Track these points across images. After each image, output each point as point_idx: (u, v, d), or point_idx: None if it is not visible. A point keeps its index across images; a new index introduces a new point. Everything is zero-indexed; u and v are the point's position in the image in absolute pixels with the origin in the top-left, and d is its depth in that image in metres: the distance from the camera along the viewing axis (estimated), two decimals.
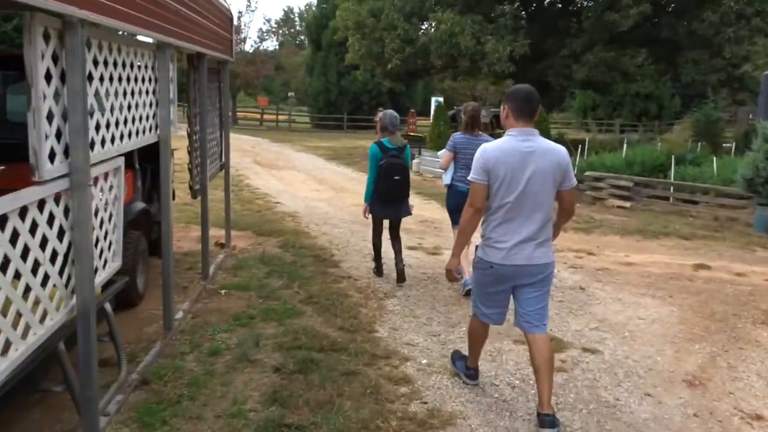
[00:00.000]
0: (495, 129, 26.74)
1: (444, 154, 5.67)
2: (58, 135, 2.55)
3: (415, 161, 15.84)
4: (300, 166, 16.31)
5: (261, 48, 36.72)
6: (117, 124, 3.22)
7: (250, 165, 16.06)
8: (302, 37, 60.87)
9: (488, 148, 3.21)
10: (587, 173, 11.70)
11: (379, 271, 6.14)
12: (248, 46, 36.14)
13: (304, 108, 43.67)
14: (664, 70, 20.39)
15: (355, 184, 12.95)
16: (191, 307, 4.97)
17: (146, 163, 5.76)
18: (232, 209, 9.62)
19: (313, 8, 38.17)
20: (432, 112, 16.00)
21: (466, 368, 3.76)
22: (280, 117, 36.53)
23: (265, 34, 36.86)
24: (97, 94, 2.91)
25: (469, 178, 3.25)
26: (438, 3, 17.63)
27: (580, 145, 13.40)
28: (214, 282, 5.74)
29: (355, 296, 5.44)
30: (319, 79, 35.55)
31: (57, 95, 2.53)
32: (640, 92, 29.93)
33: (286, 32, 67.84)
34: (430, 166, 14.88)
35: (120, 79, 3.24)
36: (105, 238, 3.18)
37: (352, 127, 32.62)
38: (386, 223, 6.12)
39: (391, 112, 6.15)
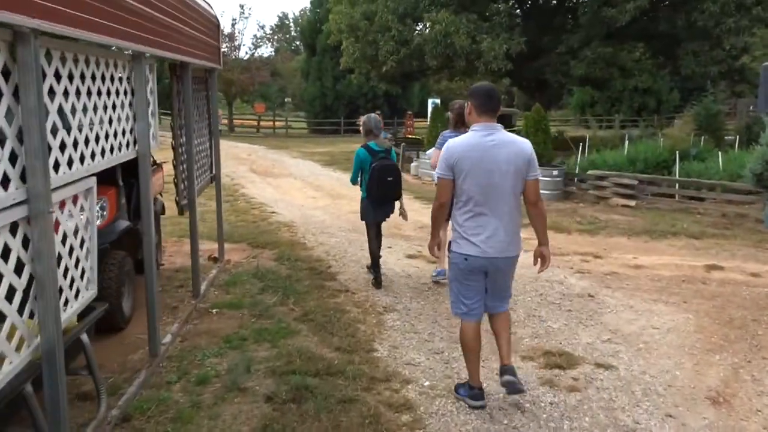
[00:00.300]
0: None
1: (433, 152, 5.67)
2: (13, 158, 2.29)
3: (413, 164, 15.59)
4: (296, 173, 16.05)
5: (256, 55, 36.40)
6: (87, 141, 2.97)
7: (246, 173, 15.81)
8: (298, 43, 60.69)
9: (452, 144, 3.31)
10: (590, 172, 11.44)
11: (377, 282, 5.94)
12: (243, 53, 35.91)
13: (301, 113, 43.46)
14: (662, 64, 20.15)
15: (351, 190, 12.62)
16: (180, 330, 4.71)
17: (133, 179, 5.52)
18: (226, 220, 9.38)
19: (308, 13, 37.91)
20: (429, 113, 15.74)
21: (469, 389, 3.58)
22: (277, 123, 36.29)
23: (259, 40, 36.50)
24: (61, 110, 2.66)
25: (434, 173, 3.38)
26: (432, 3, 17.39)
27: (580, 143, 13.15)
28: (205, 300, 5.48)
29: (353, 311, 5.18)
30: (314, 84, 35.33)
31: (10, 114, 2.28)
32: (639, 87, 29.69)
33: (282, 38, 67.69)
34: (429, 169, 14.62)
35: (89, 93, 2.99)
36: (76, 266, 2.92)
37: (349, 131, 32.34)
38: None
39: (374, 115, 6.13)
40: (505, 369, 3.47)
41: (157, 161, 6.34)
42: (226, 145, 25.70)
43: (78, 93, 2.83)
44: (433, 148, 5.68)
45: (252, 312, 5.10)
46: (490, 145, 3.22)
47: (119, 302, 4.59)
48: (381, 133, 6.05)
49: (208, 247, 7.48)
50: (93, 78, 3.01)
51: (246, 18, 49.58)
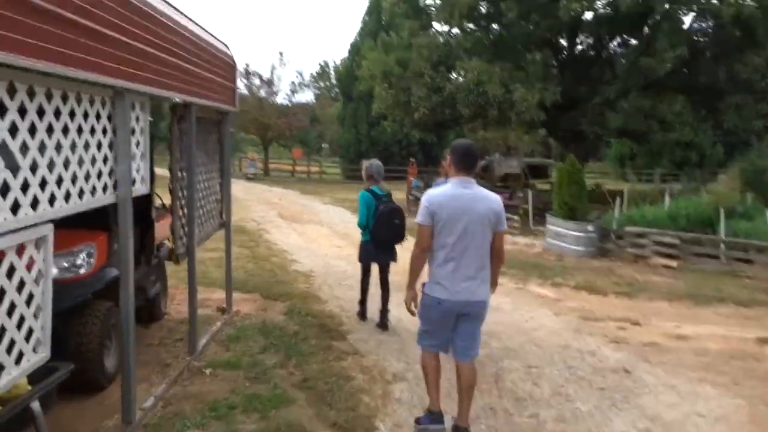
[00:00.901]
0: (527, 179, 26.04)
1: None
2: None
3: None
4: (325, 220, 15.76)
5: (293, 100, 36.90)
6: (44, 184, 2.63)
7: (273, 218, 15.57)
8: (337, 90, 61.94)
9: (432, 195, 3.60)
10: (628, 228, 10.80)
11: (362, 314, 6.26)
12: (281, 99, 36.44)
13: (337, 159, 43.72)
14: (704, 117, 19.46)
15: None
16: (166, 392, 4.28)
17: (143, 222, 5.23)
18: (243, 268, 9.05)
19: (346, 61, 38.50)
20: None
21: (430, 414, 3.79)
22: (312, 168, 36.48)
23: (297, 86, 37.08)
24: (4, 147, 2.33)
25: (416, 221, 3.60)
26: (466, 51, 17.26)
27: (618, 197, 12.54)
28: (202, 357, 5.06)
29: (359, 378, 4.68)
30: (350, 131, 35.53)
31: None
32: (680, 140, 28.96)
33: (322, 85, 69.11)
34: None
35: (50, 130, 2.67)
36: (19, 326, 2.54)
37: (384, 179, 32.27)
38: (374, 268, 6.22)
39: (376, 161, 6.44)
40: (459, 429, 3.66)
41: (166, 204, 6.07)
42: (259, 189, 25.89)
43: (33, 129, 2.50)
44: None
45: (248, 374, 4.65)
46: (468, 197, 3.51)
47: (100, 359, 4.20)
48: (381, 179, 6.27)
49: (219, 296, 7.14)
50: (57, 114, 2.69)
51: (284, 64, 50.59)
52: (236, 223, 14.40)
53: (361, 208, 6.03)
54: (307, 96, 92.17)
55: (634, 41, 17.99)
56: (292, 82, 45.42)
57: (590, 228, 10.56)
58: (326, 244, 11.80)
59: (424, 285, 3.71)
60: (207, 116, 5.63)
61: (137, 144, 3.70)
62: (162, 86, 3.86)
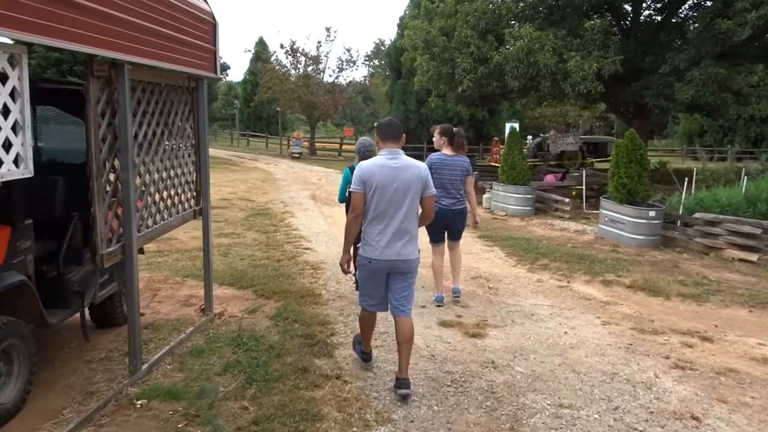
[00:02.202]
0: (585, 158, 24.17)
1: None
2: None
3: (485, 196, 13.81)
4: None
5: (340, 78, 35.80)
6: None
7: (303, 200, 14.61)
8: (394, 75, 60.65)
9: (364, 165, 3.91)
10: (697, 215, 9.19)
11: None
12: (327, 77, 35.44)
13: None
14: None
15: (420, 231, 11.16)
16: None
17: (74, 213, 4.30)
18: (250, 257, 8.11)
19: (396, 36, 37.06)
20: (506, 139, 13.93)
21: (362, 352, 4.38)
22: None
23: (344, 63, 35.81)
24: None
25: (350, 189, 3.94)
26: (516, 17, 15.66)
27: (686, 178, 10.89)
28: (144, 381, 4.08)
29: (330, 417, 3.59)
30: (398, 108, 34.23)
31: None
32: (755, 115, 26.31)
33: (376, 64, 67.81)
34: (503, 202, 12.80)
35: None
36: None
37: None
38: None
39: (364, 139, 6.09)
40: (401, 383, 3.90)
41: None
42: (300, 169, 25.11)
43: None
44: None
45: (189, 409, 3.64)
46: (394, 166, 3.83)
47: None
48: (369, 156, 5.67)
49: (222, 292, 6.23)
50: None
51: (332, 41, 49.44)
52: (262, 206, 13.58)
53: (341, 184, 6.08)
54: (357, 74, 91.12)
55: (709, 2, 15.91)
56: (339, 59, 44.24)
57: (652, 213, 9.05)
58: None
59: (358, 248, 4.11)
60: (165, 82, 4.59)
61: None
62: (64, 36, 2.81)
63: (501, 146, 28.61)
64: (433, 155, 5.87)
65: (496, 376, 4.24)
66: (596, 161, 24.94)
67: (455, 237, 6.18)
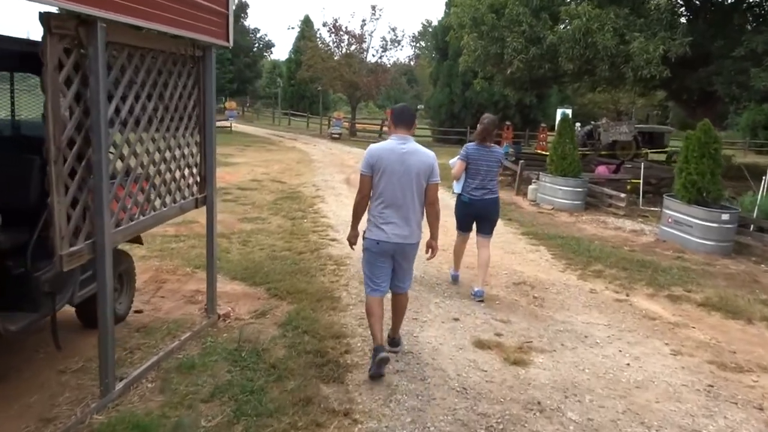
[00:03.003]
0: (639, 148, 22.71)
1: (456, 162, 5.80)
2: None
3: (531, 187, 12.80)
4: None
5: (384, 58, 34.80)
6: None
7: (337, 184, 13.87)
8: (439, 56, 59.38)
9: (373, 148, 4.00)
10: None
11: None
12: (371, 56, 34.49)
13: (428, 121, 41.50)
14: None
15: (448, 218, 10.30)
16: None
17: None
18: (271, 247, 7.41)
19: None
20: (556, 126, 12.85)
21: (375, 349, 3.97)
22: None
23: (389, 43, 34.71)
24: None
25: (360, 170, 4.02)
26: None
27: (763, 177, 9.68)
28: (115, 406, 3.40)
29: None
30: (443, 91, 33.12)
31: None
32: None
33: (423, 45, 66.42)
34: (550, 195, 11.78)
35: None
36: None
37: None
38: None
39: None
40: (393, 341, 4.37)
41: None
42: (338, 150, 24.41)
43: None
44: (457, 158, 5.84)
45: None
46: (403, 152, 3.92)
47: None
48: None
49: (226, 288, 5.58)
50: None
51: (377, 19, 48.25)
52: (293, 188, 12.89)
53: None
54: (402, 54, 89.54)
55: None
56: (383, 38, 43.14)
57: (725, 217, 7.96)
58: None
59: (365, 231, 4.11)
60: (162, 48, 3.86)
61: None
62: None
63: (548, 133, 27.39)
64: (469, 145, 5.78)
65: (543, 425, 3.40)
66: (651, 152, 23.47)
67: (486, 231, 5.87)
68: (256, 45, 56.02)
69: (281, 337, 4.47)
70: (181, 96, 4.24)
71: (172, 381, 3.71)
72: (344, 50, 32.51)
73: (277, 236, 8.09)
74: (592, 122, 24.35)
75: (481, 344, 4.54)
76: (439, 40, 34.81)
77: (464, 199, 5.78)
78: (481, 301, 5.64)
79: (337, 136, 30.26)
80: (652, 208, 11.56)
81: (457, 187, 5.89)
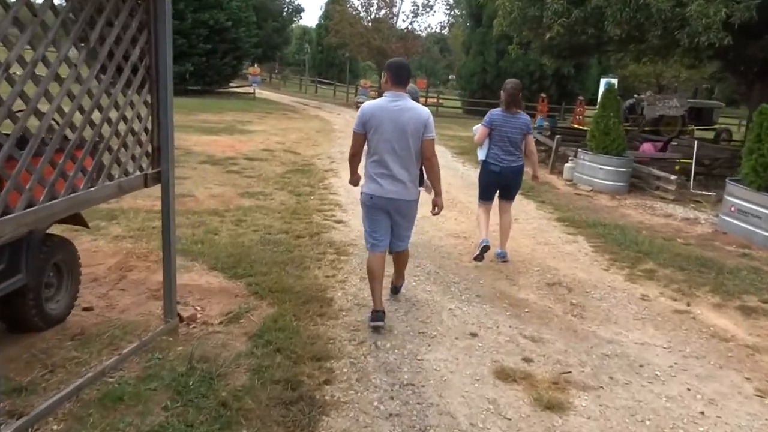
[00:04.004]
0: (686, 124, 21.04)
1: (479, 129, 5.64)
2: None
3: (567, 165, 11.57)
4: None
5: (415, 24, 33.24)
6: None
7: None
8: (473, 22, 57.21)
9: (366, 106, 4.02)
10: None
11: None
12: (401, 22, 33.03)
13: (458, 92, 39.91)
14: None
15: (474, 195, 9.17)
16: None
17: None
18: (268, 228, 6.43)
19: None
20: (599, 97, 11.55)
21: (373, 312, 4.03)
22: (429, 100, 33.09)
23: (422, 8, 33.02)
24: None
25: (353, 128, 4.01)
26: None
27: None
28: None
29: None
30: (475, 60, 31.58)
31: None
32: None
33: (457, 13, 64.25)
34: (590, 175, 10.55)
35: None
36: None
37: None
38: None
39: (409, 85, 4.97)
40: (394, 288, 4.60)
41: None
42: None
43: None
44: (480, 125, 5.66)
45: None
46: (396, 109, 3.88)
47: None
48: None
49: (208, 281, 4.66)
50: None
51: None
52: (306, 160, 11.87)
53: None
54: (435, 20, 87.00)
55: None
56: (414, 2, 41.40)
57: None
58: None
59: (363, 186, 4.13)
60: None
61: None
62: None
63: (586, 107, 25.77)
64: (494, 111, 5.64)
65: None
66: (698, 129, 21.80)
67: (508, 197, 5.88)
68: (286, 9, 54.68)
69: (248, 356, 3.50)
70: (118, 40, 3.22)
71: (86, 422, 2.78)
72: (373, 15, 31.10)
73: (277, 215, 7.11)
74: (635, 95, 22.72)
75: (504, 374, 3.50)
76: (472, 6, 33.14)
77: (492, 167, 5.61)
78: (505, 261, 5.71)
79: (361, 104, 29.09)
80: (705, 192, 10.27)
81: (481, 153, 5.72)
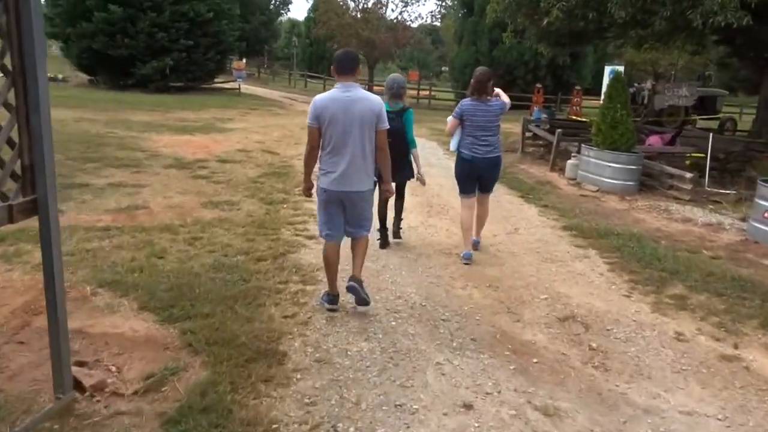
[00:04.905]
0: (689, 114, 19.99)
1: (451, 121, 5.55)
2: None
3: (569, 162, 10.57)
4: None
5: (406, 15, 32.06)
6: None
7: None
8: (464, 11, 56.10)
9: (318, 98, 3.95)
10: None
11: (383, 241, 5.79)
12: (390, 11, 31.89)
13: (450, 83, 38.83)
14: None
15: (449, 190, 8.14)
16: None
17: None
18: (226, 247, 5.39)
19: None
20: (604, 86, 10.53)
21: (328, 295, 4.27)
22: (422, 92, 32.03)
23: None
24: None
25: (307, 122, 3.96)
26: None
27: None
28: None
29: None
30: (467, 50, 30.52)
31: None
32: None
33: (449, 4, 63.10)
34: (595, 173, 9.56)
35: None
36: None
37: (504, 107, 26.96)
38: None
39: (395, 75, 5.83)
40: (353, 278, 4.19)
41: None
42: None
43: None
44: (451, 116, 5.54)
45: None
46: (347, 100, 3.84)
47: None
48: (399, 96, 5.63)
49: (133, 326, 3.68)
50: None
51: None
52: (285, 162, 10.80)
53: None
54: (425, 9, 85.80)
55: None
56: None
57: None
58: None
59: (318, 178, 4.10)
60: None
61: None
62: None
63: (583, 97, 24.75)
64: (464, 100, 5.50)
65: None
66: (701, 119, 20.83)
67: (486, 189, 5.76)
68: (273, 2, 53.39)
69: None
70: None
71: None
72: (361, 5, 29.98)
73: (240, 230, 6.12)
74: (636, 84, 21.71)
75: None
76: None
77: (465, 156, 5.47)
78: (476, 249, 5.70)
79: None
80: (722, 191, 9.31)
81: (453, 144, 5.61)
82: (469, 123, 5.40)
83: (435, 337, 3.90)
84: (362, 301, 4.17)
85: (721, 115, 22.11)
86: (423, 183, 5.83)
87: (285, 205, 7.36)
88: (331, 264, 4.22)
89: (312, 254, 5.44)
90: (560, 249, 6.07)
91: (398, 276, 5.03)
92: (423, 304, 4.45)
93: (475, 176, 5.56)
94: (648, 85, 21.02)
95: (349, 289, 4.15)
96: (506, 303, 4.55)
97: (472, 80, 5.44)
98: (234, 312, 4.03)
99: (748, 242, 6.55)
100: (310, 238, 5.96)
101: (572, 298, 4.69)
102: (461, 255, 5.53)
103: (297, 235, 6.07)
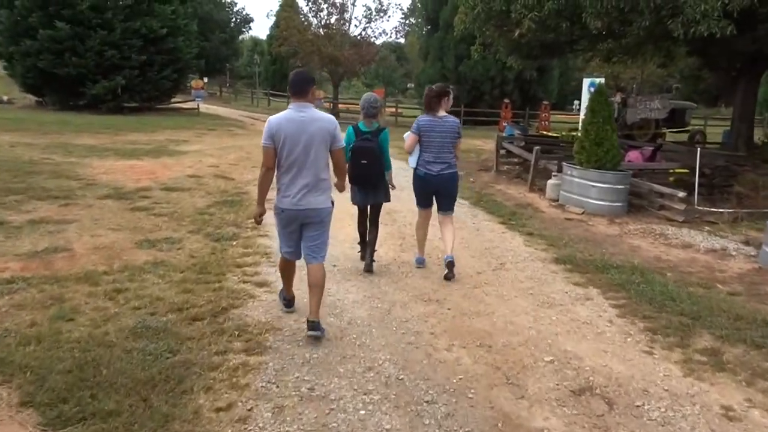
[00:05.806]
0: (659, 127, 19.50)
1: (409, 136, 5.48)
2: None
3: (550, 182, 9.78)
4: None
5: (369, 31, 31.18)
6: None
7: None
8: (429, 27, 55.89)
9: (273, 119, 3.93)
10: None
11: (364, 260, 5.64)
12: (353, 28, 31.12)
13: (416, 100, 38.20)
14: None
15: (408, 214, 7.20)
16: None
17: None
18: (156, 304, 4.19)
19: None
20: (583, 100, 9.83)
21: (284, 299, 4.44)
22: (388, 109, 31.26)
23: (373, 14, 30.91)
24: None
25: (262, 143, 3.92)
26: None
27: None
28: None
29: None
30: (434, 66, 29.92)
31: None
32: None
33: (413, 22, 62.89)
34: (580, 194, 8.77)
35: None
36: None
37: (471, 122, 26.41)
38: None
39: (368, 95, 5.54)
40: (312, 324, 3.94)
41: None
42: None
43: None
44: (409, 132, 5.47)
45: None
46: (301, 120, 3.85)
47: None
48: (372, 115, 5.35)
49: None
50: None
51: None
52: (239, 188, 9.63)
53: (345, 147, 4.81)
54: (390, 25, 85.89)
55: None
56: (367, 7, 39.62)
57: None
58: (346, 231, 6.82)
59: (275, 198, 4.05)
60: None
61: None
62: None
63: (551, 112, 24.30)
64: (421, 117, 5.44)
65: None
66: (669, 132, 20.47)
67: (446, 207, 5.61)
68: (233, 20, 52.36)
69: None
70: None
71: None
72: (323, 21, 29.13)
73: (177, 278, 5.08)
74: (621, 95, 21.27)
75: None
76: (429, 10, 31.56)
77: (420, 173, 5.46)
78: (452, 265, 5.34)
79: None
80: (714, 210, 8.62)
81: (412, 161, 5.54)
82: (426, 139, 5.34)
83: (416, 428, 2.93)
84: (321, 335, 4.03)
85: (690, 128, 21.85)
86: (388, 200, 5.73)
87: (234, 242, 6.33)
88: (287, 273, 4.35)
89: (261, 308, 4.44)
90: (556, 289, 5.19)
91: (367, 336, 4.06)
92: (400, 377, 3.49)
93: (431, 192, 5.54)
94: (617, 98, 20.63)
95: (313, 338, 3.95)
96: (504, 370, 3.63)
97: (424, 98, 5.42)
98: (148, 406, 3.00)
99: (763, 271, 5.78)
100: (261, 285, 4.96)
101: (583, 359, 3.79)
102: (414, 260, 5.77)
103: (245, 281, 5.06)
